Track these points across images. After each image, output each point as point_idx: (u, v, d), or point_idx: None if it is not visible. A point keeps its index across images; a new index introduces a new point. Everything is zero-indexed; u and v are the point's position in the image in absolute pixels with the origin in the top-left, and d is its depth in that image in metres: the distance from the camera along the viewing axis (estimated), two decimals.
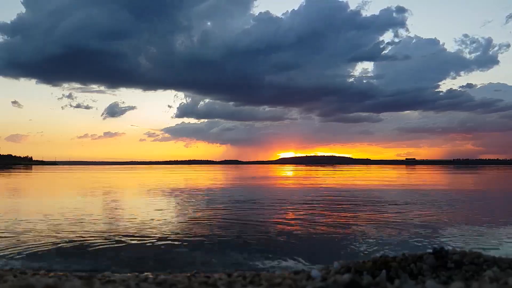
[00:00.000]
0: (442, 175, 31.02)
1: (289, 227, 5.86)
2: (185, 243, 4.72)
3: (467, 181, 21.11)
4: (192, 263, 3.79)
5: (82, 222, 6.27)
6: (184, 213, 7.55)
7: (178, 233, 5.38)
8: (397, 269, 1.86)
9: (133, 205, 9.02)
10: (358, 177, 25.29)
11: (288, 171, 46.50)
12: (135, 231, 5.48)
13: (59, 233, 5.35)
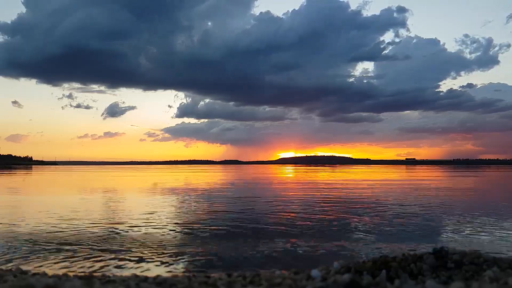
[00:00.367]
0: (442, 175, 31.02)
1: (289, 227, 5.86)
2: (185, 243, 4.72)
3: (467, 181, 21.11)
4: (192, 263, 3.79)
5: (82, 222, 6.26)
6: (184, 213, 7.55)
7: (178, 233, 5.38)
8: (397, 269, 1.86)
9: (133, 205, 9.02)
10: (358, 177, 25.28)
11: (288, 171, 46.51)
12: (135, 231, 5.48)
13: (59, 233, 5.35)
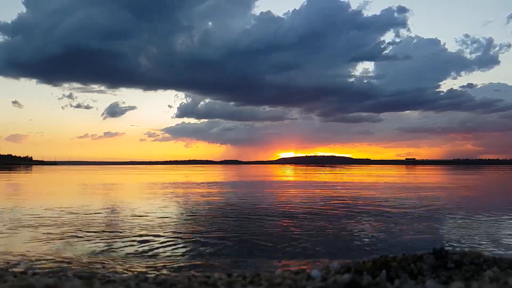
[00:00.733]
0: (442, 175, 31.02)
1: (288, 227, 5.86)
2: (185, 243, 4.72)
3: (467, 181, 21.11)
4: (192, 263, 3.79)
5: (82, 222, 6.26)
6: (184, 213, 7.55)
7: (178, 233, 5.38)
8: (397, 269, 1.86)
9: (133, 205, 9.02)
10: (358, 177, 25.28)
11: (288, 171, 46.51)
12: (135, 231, 5.48)
13: (59, 232, 5.35)
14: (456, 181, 21.25)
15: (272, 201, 9.97)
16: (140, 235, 5.19)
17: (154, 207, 8.57)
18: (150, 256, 4.08)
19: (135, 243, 4.73)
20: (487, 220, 6.53)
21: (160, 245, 4.60)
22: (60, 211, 7.80)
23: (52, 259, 3.93)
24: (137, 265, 3.68)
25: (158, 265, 3.71)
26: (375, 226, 6.01)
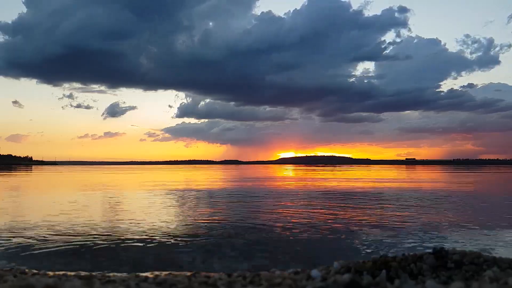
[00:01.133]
0: (442, 175, 31.01)
1: (288, 227, 5.86)
2: (185, 243, 4.72)
3: (467, 181, 21.10)
4: (192, 263, 3.79)
5: (81, 222, 6.26)
6: (183, 213, 7.55)
7: (178, 233, 5.38)
8: (397, 269, 1.86)
9: (133, 205, 9.02)
10: (358, 177, 25.28)
11: (288, 171, 46.50)
12: (135, 231, 5.48)
13: (59, 232, 5.35)
14: (456, 181, 21.25)
15: (270, 200, 9.97)
16: (140, 235, 5.19)
17: (153, 207, 8.57)
18: (150, 256, 4.08)
19: (134, 243, 4.73)
20: (488, 220, 6.53)
21: (160, 245, 4.60)
22: (60, 211, 7.80)
23: (52, 259, 3.93)
24: (137, 265, 3.68)
25: (158, 265, 3.71)
26: (375, 226, 6.01)
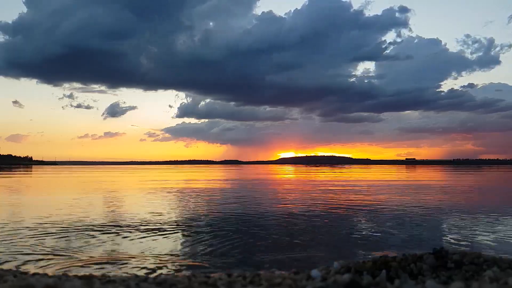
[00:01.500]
0: (442, 175, 31.01)
1: (288, 227, 5.86)
2: (185, 243, 4.72)
3: (467, 181, 21.11)
4: (192, 263, 3.79)
5: (81, 222, 6.27)
6: (183, 213, 7.55)
7: (178, 232, 5.38)
8: (397, 269, 1.86)
9: (133, 205, 9.02)
10: (358, 177, 25.29)
11: (287, 172, 46.51)
12: (135, 231, 5.48)
13: (59, 232, 5.35)
14: (455, 181, 21.26)
15: (271, 201, 9.97)
16: (140, 235, 5.19)
17: (153, 207, 8.57)
18: (150, 256, 4.08)
19: (134, 243, 4.73)
20: (487, 220, 6.53)
21: (160, 245, 4.60)
22: (60, 211, 7.80)
23: (52, 259, 3.93)
24: (137, 265, 3.68)
25: (158, 265, 3.71)
26: (375, 226, 6.01)
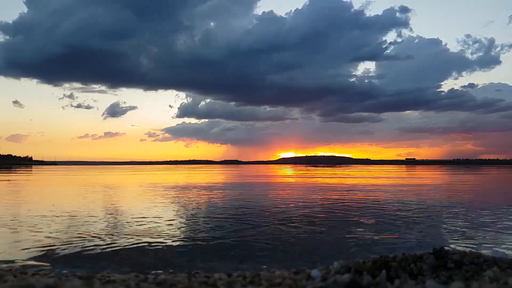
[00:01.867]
0: (441, 175, 31.01)
1: (288, 227, 5.86)
2: (185, 243, 4.72)
3: (467, 181, 21.11)
4: (192, 263, 3.79)
5: (81, 222, 6.27)
6: (183, 213, 7.55)
7: (178, 233, 5.38)
8: (397, 269, 1.86)
9: (133, 205, 9.02)
10: (358, 177, 25.29)
11: (285, 172, 46.50)
12: (135, 231, 5.48)
13: (58, 232, 5.35)
14: (455, 181, 21.26)
15: (270, 200, 9.97)
16: (140, 235, 5.19)
17: (153, 207, 8.57)
18: (150, 256, 4.08)
19: (134, 243, 4.73)
20: (488, 220, 6.53)
21: (159, 245, 4.60)
22: (60, 211, 7.80)
23: (52, 259, 3.93)
24: (137, 265, 3.68)
25: (158, 264, 3.71)
26: (375, 226, 6.01)
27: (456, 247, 4.49)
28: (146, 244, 4.66)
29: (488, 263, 1.87)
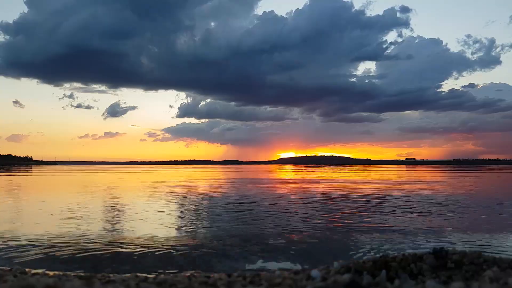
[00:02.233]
0: (441, 175, 31.00)
1: (289, 227, 5.86)
2: (185, 243, 4.72)
3: (467, 181, 21.11)
4: (192, 263, 3.79)
5: (81, 221, 6.27)
6: (183, 213, 7.55)
7: (178, 233, 5.38)
8: (397, 269, 1.86)
9: (133, 205, 9.02)
10: (358, 177, 25.28)
11: (283, 172, 46.47)
12: (135, 231, 5.48)
13: (58, 232, 5.35)
14: (455, 181, 21.25)
15: (270, 200, 9.97)
16: (140, 235, 5.19)
17: (153, 207, 8.57)
18: (150, 256, 4.08)
19: (134, 243, 4.73)
20: (488, 220, 6.53)
21: (159, 245, 4.60)
22: (60, 212, 7.80)
23: (52, 259, 3.93)
24: (137, 265, 3.68)
25: (158, 265, 3.71)
26: (375, 226, 6.01)
27: (456, 247, 4.49)
28: (146, 244, 4.66)
29: (488, 263, 1.87)
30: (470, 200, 10.31)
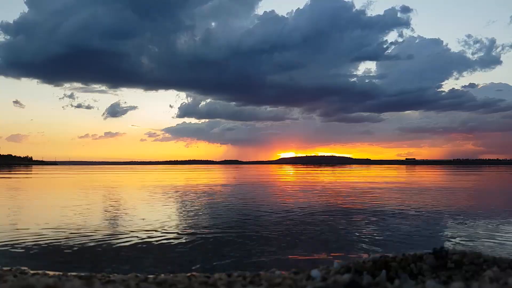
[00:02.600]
0: (440, 175, 30.99)
1: (288, 227, 5.86)
2: (185, 243, 4.72)
3: (467, 181, 21.10)
4: (192, 263, 3.79)
5: (81, 221, 6.27)
6: (183, 213, 7.55)
7: (178, 233, 5.38)
8: (397, 269, 1.85)
9: (133, 205, 9.02)
10: (358, 177, 25.28)
11: (281, 173, 46.47)
12: (135, 231, 5.48)
13: (58, 232, 5.35)
14: (455, 181, 21.25)
15: (270, 200, 9.97)
16: (140, 235, 5.19)
17: (153, 207, 8.57)
18: (150, 256, 4.08)
19: (134, 243, 4.73)
20: (488, 220, 6.53)
21: (159, 245, 4.60)
22: (60, 212, 7.80)
23: (52, 259, 3.93)
24: (137, 265, 3.68)
25: (158, 265, 3.71)
26: (375, 226, 6.01)
27: (456, 247, 4.49)
28: (146, 244, 4.66)
29: (488, 263, 1.87)
30: (470, 200, 10.31)
